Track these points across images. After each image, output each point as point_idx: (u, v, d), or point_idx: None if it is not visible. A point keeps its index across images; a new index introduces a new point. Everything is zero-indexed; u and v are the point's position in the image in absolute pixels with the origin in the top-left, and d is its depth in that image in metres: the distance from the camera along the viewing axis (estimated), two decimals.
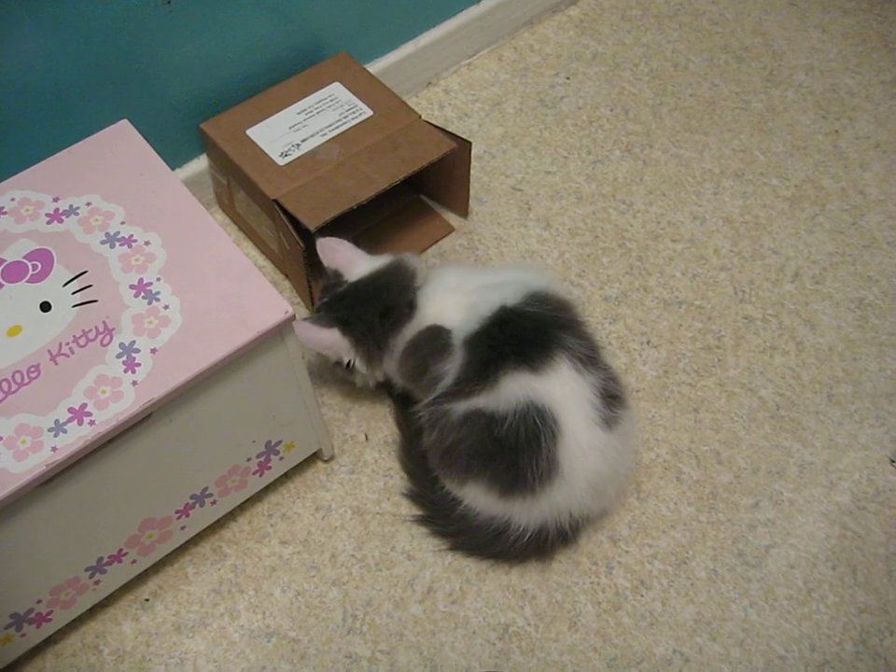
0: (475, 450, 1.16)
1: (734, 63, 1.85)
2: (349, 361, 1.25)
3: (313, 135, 1.41)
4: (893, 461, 1.34)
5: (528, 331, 1.16)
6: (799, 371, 1.43)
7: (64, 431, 0.96)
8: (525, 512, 1.18)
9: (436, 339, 1.21)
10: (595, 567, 1.25)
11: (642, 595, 1.23)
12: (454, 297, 1.24)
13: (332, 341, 1.23)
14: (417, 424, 1.25)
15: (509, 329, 1.16)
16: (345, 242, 1.29)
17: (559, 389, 1.13)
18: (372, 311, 1.23)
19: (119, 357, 1.01)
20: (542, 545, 1.22)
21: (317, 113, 1.44)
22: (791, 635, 1.20)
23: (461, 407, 1.16)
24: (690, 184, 1.66)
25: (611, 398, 1.17)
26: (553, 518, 1.19)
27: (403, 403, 1.34)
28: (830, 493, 1.32)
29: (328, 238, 1.29)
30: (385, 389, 1.38)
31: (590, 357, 1.17)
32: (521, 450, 1.12)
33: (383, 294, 1.23)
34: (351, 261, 1.28)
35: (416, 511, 1.29)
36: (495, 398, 1.13)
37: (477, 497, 1.20)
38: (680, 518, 1.29)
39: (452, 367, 1.19)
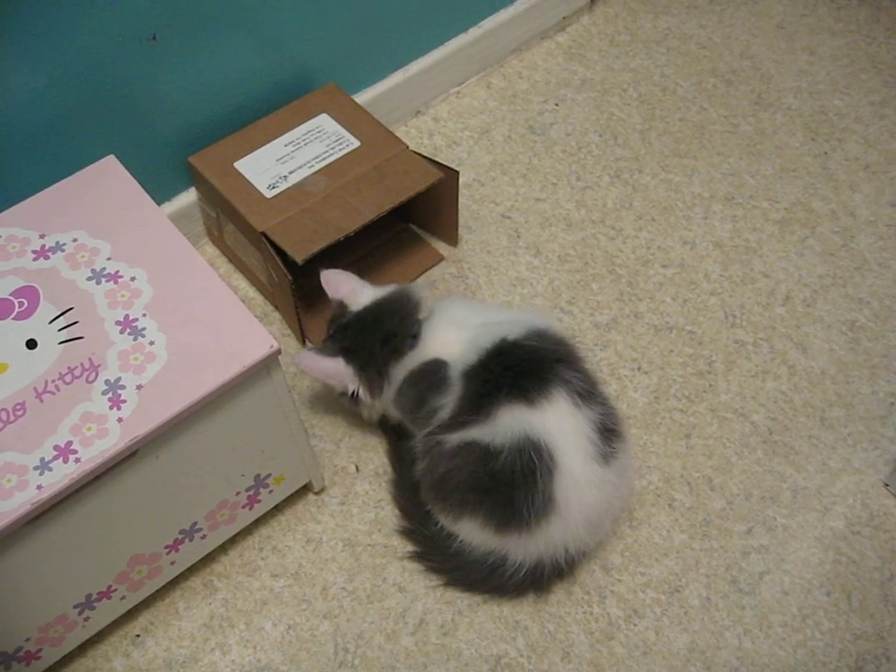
0: (469, 483, 1.15)
1: (722, 87, 1.86)
2: (354, 391, 1.25)
3: (300, 167, 1.41)
4: (887, 485, 1.34)
5: (525, 363, 1.16)
6: (791, 395, 1.43)
7: (50, 469, 0.96)
8: (521, 548, 1.17)
9: (435, 372, 1.21)
10: (587, 597, 1.24)
11: (635, 625, 1.22)
12: (457, 331, 1.23)
13: (337, 369, 1.24)
14: (410, 458, 1.24)
15: (506, 361, 1.16)
16: (349, 273, 1.30)
17: (556, 423, 1.12)
18: (374, 338, 1.23)
19: (104, 393, 1.01)
20: (538, 580, 1.21)
21: (305, 145, 1.44)
22: (787, 662, 1.19)
23: (455, 437, 1.15)
24: (679, 209, 1.66)
25: (609, 431, 1.16)
26: (550, 553, 1.18)
27: (397, 438, 1.34)
28: (823, 518, 1.31)
29: (331, 270, 1.30)
30: (379, 428, 1.38)
31: (588, 392, 1.16)
32: (516, 485, 1.11)
33: (385, 321, 1.23)
34: (355, 292, 1.28)
35: (410, 548, 1.28)
36: (490, 430, 1.13)
37: (472, 533, 1.20)
38: (673, 546, 1.28)
39: (450, 400, 1.18)
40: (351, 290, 1.28)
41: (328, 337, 1.28)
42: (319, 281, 1.46)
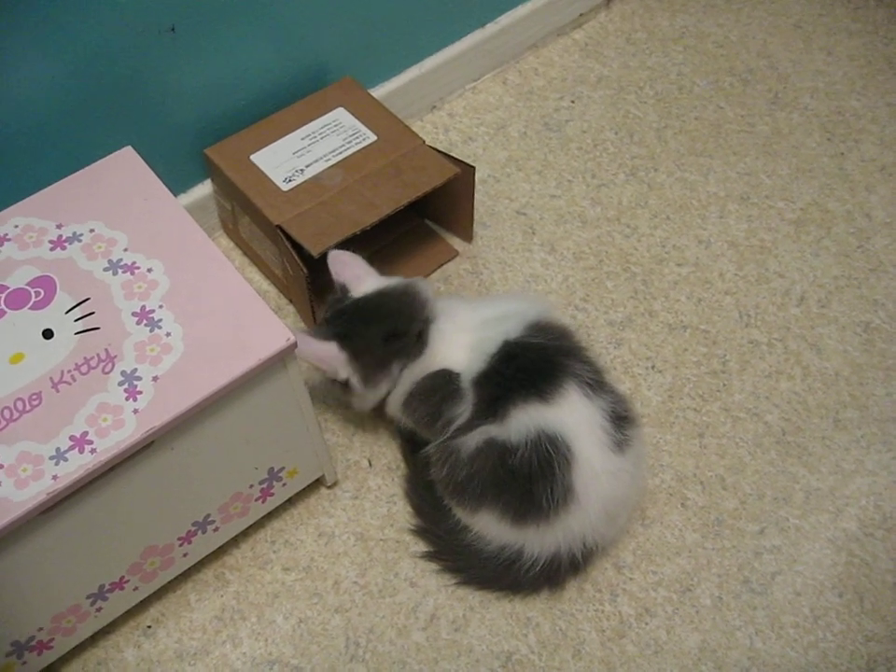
0: (488, 481, 1.15)
1: (739, 86, 1.85)
2: (346, 379, 1.23)
3: (316, 161, 1.41)
4: None
5: (534, 362, 1.16)
6: (805, 395, 1.42)
7: (66, 459, 0.96)
8: (538, 540, 1.17)
9: (446, 384, 1.20)
10: (599, 595, 1.24)
11: (647, 623, 1.22)
12: (461, 336, 1.22)
13: (329, 354, 1.21)
14: (424, 458, 1.24)
15: (515, 364, 1.15)
16: (357, 257, 1.28)
17: (570, 416, 1.12)
18: (376, 330, 1.21)
19: (120, 384, 1.01)
20: (554, 575, 1.21)
21: (321, 138, 1.44)
22: (798, 663, 1.19)
23: (472, 440, 1.15)
24: (695, 207, 1.65)
25: (621, 419, 1.16)
26: (567, 546, 1.18)
27: (410, 440, 1.33)
28: (836, 519, 1.31)
29: (340, 251, 1.28)
30: (392, 423, 1.38)
31: (597, 381, 1.17)
32: (535, 478, 1.11)
33: (391, 316, 1.22)
34: (359, 278, 1.26)
35: (423, 547, 1.28)
36: (506, 429, 1.13)
37: (489, 525, 1.19)
38: (685, 545, 1.28)
39: (464, 409, 1.18)
40: (356, 276, 1.26)
41: (322, 321, 1.26)
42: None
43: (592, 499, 1.13)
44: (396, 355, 1.22)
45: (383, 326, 1.21)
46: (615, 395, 1.18)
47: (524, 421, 1.12)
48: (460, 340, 1.22)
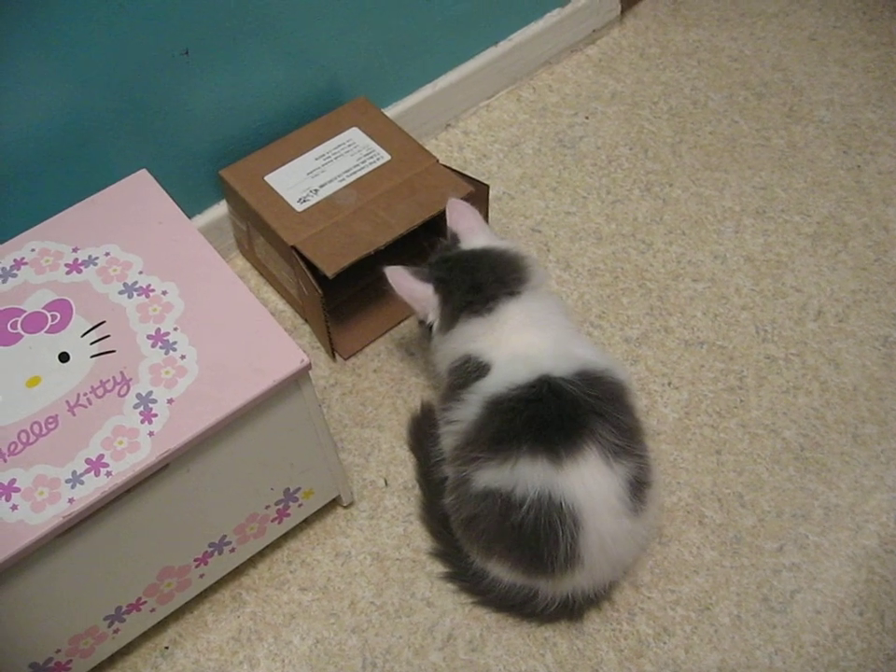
0: (494, 533, 1.12)
1: (753, 100, 1.85)
2: (431, 323, 1.23)
3: (331, 181, 1.42)
4: None
5: (558, 417, 1.08)
6: (823, 411, 1.41)
7: (82, 482, 0.96)
8: (550, 589, 1.16)
9: (477, 370, 1.17)
10: (616, 614, 1.23)
11: (665, 643, 1.21)
12: (523, 333, 1.17)
13: (424, 295, 1.21)
14: (439, 479, 1.24)
15: (536, 409, 1.09)
16: (475, 210, 1.29)
17: (581, 486, 1.06)
18: (466, 280, 1.20)
19: (136, 407, 1.01)
20: (571, 610, 1.20)
21: (335, 158, 1.45)
22: None
23: (479, 481, 1.11)
24: (710, 222, 1.65)
25: (640, 483, 1.11)
26: (578, 593, 1.17)
27: (426, 459, 1.32)
28: (856, 536, 1.29)
29: (459, 200, 1.29)
30: (407, 445, 1.38)
31: (623, 447, 1.09)
32: (540, 539, 1.08)
33: (483, 269, 1.20)
34: (472, 231, 1.26)
35: (442, 568, 1.27)
36: (510, 477, 1.08)
37: (502, 573, 1.18)
38: (703, 563, 1.27)
39: (465, 410, 1.14)
40: (469, 228, 1.26)
41: (427, 264, 1.25)
42: (349, 295, 1.47)
43: (599, 562, 1.11)
44: (465, 307, 1.20)
45: (473, 277, 1.20)
46: (640, 459, 1.12)
47: (528, 476, 1.07)
48: (521, 337, 1.17)
